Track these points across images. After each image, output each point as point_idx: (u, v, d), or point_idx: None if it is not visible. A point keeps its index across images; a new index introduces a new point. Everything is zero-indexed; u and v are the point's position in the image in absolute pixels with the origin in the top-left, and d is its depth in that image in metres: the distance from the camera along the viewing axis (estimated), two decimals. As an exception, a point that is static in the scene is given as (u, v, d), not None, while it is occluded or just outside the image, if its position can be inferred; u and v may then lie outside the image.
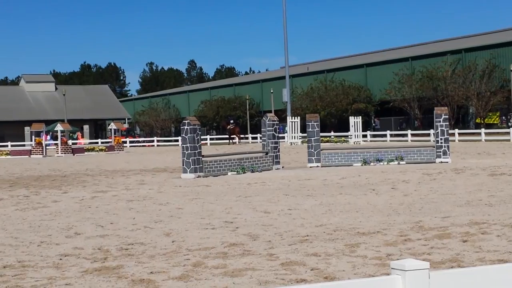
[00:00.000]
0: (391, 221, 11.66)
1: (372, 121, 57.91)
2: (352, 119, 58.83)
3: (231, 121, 69.85)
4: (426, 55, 73.22)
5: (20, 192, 19.67)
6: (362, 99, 76.15)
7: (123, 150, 58.78)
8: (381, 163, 26.99)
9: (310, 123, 27.68)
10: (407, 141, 55.69)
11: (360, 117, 60.91)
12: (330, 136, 61.16)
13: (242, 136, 73.58)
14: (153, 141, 79.00)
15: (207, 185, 20.04)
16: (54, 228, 12.00)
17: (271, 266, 8.22)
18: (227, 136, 70.09)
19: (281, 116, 68.82)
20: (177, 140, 74.52)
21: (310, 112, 65.50)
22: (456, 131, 53.83)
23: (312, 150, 27.33)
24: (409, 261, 3.54)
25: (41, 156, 50.71)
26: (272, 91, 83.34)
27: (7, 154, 52.22)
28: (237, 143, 66.99)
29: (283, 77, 73.30)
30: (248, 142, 70.80)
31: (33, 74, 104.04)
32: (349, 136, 58.82)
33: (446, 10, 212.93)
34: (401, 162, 26.97)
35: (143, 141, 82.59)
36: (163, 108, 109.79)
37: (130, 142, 77.26)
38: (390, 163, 26.96)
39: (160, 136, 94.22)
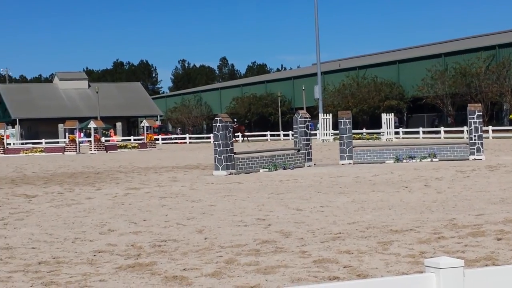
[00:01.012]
0: (424, 219, 11.59)
1: (392, 119, 57.47)
2: (384, 116, 58.55)
3: (235, 120, 70.09)
4: (459, 51, 72.59)
5: (54, 189, 19.86)
6: (394, 95, 75.73)
7: (155, 147, 59.08)
8: (414, 160, 26.83)
9: (342, 120, 27.59)
10: (440, 138, 55.29)
11: (393, 114, 60.62)
12: (362, 133, 60.92)
13: (248, 134, 74.01)
14: (185, 138, 79.27)
15: (239, 182, 20.07)
16: (88, 225, 12.10)
17: (303, 263, 8.22)
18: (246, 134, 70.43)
19: (313, 113, 68.74)
20: (209, 137, 74.77)
21: (342, 109, 65.29)
22: (490, 128, 53.32)
23: (344, 147, 27.25)
24: (443, 259, 3.51)
25: (74, 153, 51.16)
26: (303, 88, 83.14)
27: (41, 151, 52.74)
28: (240, 141, 67.26)
29: (315, 74, 73.11)
30: (280, 139, 70.76)
31: (67, 71, 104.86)
32: (381, 133, 58.57)
33: (480, 6, 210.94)
34: (434, 159, 26.78)
35: (175, 138, 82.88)
36: (195, 105, 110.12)
37: (163, 139, 77.62)
38: (423, 160, 26.78)
39: (192, 133, 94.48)
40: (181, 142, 77.03)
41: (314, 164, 27.05)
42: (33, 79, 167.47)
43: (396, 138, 58.11)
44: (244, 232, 10.78)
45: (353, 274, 7.60)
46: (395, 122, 70.78)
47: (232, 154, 23.64)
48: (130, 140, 71.25)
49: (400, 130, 62.46)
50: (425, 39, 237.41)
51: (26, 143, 73.07)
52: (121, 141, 69.44)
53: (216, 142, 23.70)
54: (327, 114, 62.14)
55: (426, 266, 3.56)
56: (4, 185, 21.63)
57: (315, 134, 58.63)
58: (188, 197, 16.42)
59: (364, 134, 60.70)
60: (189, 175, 23.87)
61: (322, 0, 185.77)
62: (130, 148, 56.35)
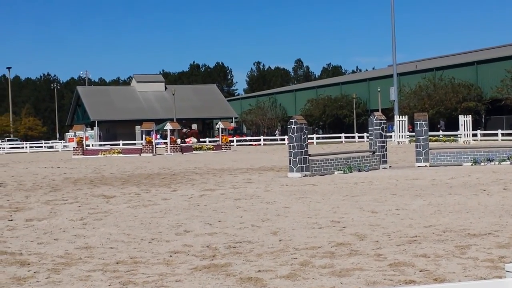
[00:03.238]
0: (503, 223, 11.34)
1: (439, 124, 56.44)
2: (461, 118, 57.59)
3: (190, 126, 69.49)
4: (540, 52, 70.83)
5: (131, 189, 20.18)
6: (472, 97, 74.31)
7: (230, 149, 59.46)
8: (492, 163, 26.28)
9: (418, 122, 27.23)
10: (519, 140, 54.06)
11: (470, 116, 59.56)
12: (438, 135, 60.04)
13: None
14: (259, 140, 79.53)
15: (313, 184, 20.02)
16: (164, 226, 12.25)
17: (379, 266, 8.14)
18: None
19: (388, 115, 68.01)
20: (283, 139, 74.82)
21: (418, 110, 64.49)
22: None
23: (420, 150, 26.89)
24: (524, 264, 3.44)
25: (151, 154, 51.90)
26: (379, 89, 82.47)
27: (119, 152, 53.70)
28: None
29: (391, 76, 72.44)
30: (355, 142, 70.34)
31: (144, 74, 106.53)
32: (459, 135, 57.61)
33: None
34: (513, 162, 26.17)
35: (250, 140, 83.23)
36: (270, 107, 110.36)
37: (237, 141, 78.06)
38: (502, 163, 26.21)
39: (267, 135, 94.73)
40: (255, 144, 77.31)
41: (390, 167, 26.78)
42: (112, 81, 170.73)
43: (474, 140, 57.08)
44: (319, 234, 10.75)
45: (429, 278, 7.49)
46: (440, 126, 69.40)
47: (307, 156, 23.61)
48: (205, 142, 71.88)
49: (478, 132, 61.29)
50: (504, 40, 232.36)
51: (104, 145, 74.50)
52: (197, 143, 70.13)
53: (291, 144, 23.70)
54: (403, 116, 61.45)
55: (506, 271, 3.49)
56: (83, 186, 22.10)
57: (391, 136, 58.06)
58: (262, 199, 16.46)
59: (441, 136, 59.81)
60: (264, 177, 23.93)
61: (399, 0, 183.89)
62: (205, 149, 56.85)
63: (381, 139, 26.75)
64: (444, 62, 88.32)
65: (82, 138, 55.40)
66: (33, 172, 31.19)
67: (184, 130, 61.20)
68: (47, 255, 9.61)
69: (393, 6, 64.14)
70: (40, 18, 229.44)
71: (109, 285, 7.58)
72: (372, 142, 26.88)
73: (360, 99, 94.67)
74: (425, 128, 27.14)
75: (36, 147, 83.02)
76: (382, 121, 27.16)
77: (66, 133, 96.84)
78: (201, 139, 77.06)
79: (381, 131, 26.86)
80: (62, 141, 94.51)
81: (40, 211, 15.04)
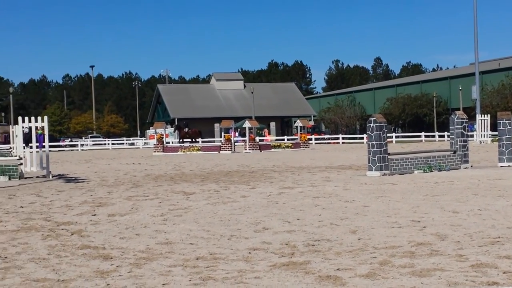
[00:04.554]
0: None
1: (467, 125, 54.59)
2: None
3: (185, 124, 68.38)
4: None
5: (210, 186, 20.37)
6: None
7: (308, 147, 59.40)
8: None
9: (501, 121, 26.65)
10: None
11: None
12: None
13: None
14: (338, 138, 79.21)
15: (393, 183, 19.82)
16: (243, 223, 12.33)
17: (460, 267, 8.01)
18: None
19: (470, 114, 66.88)
20: (362, 138, 74.33)
21: (501, 109, 63.14)
22: None
23: (503, 149, 26.32)
24: None
25: (229, 152, 52.29)
26: (460, 88, 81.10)
27: (198, 150, 54.29)
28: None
29: (473, 74, 71.14)
30: (435, 141, 69.30)
31: (223, 72, 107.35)
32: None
33: None
34: None
35: (328, 138, 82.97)
36: (348, 105, 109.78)
37: (316, 139, 77.92)
38: None
39: (345, 134, 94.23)
40: (334, 143, 77.03)
41: (471, 166, 26.30)
42: (191, 79, 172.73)
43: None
44: (399, 233, 10.64)
45: (513, 280, 7.34)
46: (470, 128, 67.44)
47: (386, 155, 23.39)
48: (283, 139, 71.98)
49: None
50: None
51: (183, 142, 75.41)
52: (275, 140, 70.30)
53: (370, 143, 23.52)
54: (485, 115, 60.26)
55: None
56: (164, 183, 22.43)
57: (472, 136, 57.03)
58: (341, 197, 16.39)
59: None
60: (342, 175, 23.82)
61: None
62: (283, 147, 56.94)
63: (462, 138, 26.29)
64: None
65: (163, 135, 56.20)
66: (115, 168, 31.84)
67: (186, 129, 61.40)
68: (129, 249, 9.80)
69: (475, 3, 62.93)
70: (124, 18, 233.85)
71: (189, 280, 7.68)
72: (453, 141, 26.44)
73: (440, 98, 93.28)
74: (509, 127, 26.54)
75: (117, 143, 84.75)
76: (463, 120, 26.68)
77: (147, 130, 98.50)
78: (279, 137, 77.12)
79: (462, 130, 26.40)
80: (143, 138, 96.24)
81: (122, 207, 15.34)
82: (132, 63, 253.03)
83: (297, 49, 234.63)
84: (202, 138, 69.79)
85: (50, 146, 31.00)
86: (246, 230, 11.41)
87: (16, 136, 27.87)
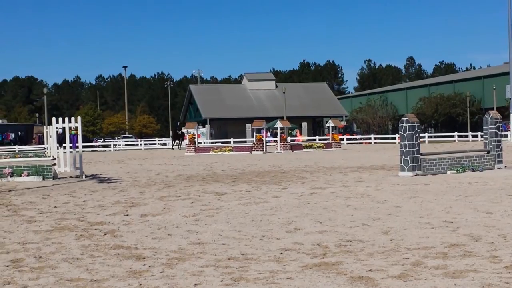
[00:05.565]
0: None
1: (501, 125, 53.95)
2: None
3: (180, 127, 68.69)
4: None
5: (242, 187, 20.40)
6: None
7: (340, 147, 59.22)
8: None
9: (536, 121, 26.36)
10: None
11: None
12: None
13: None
14: (370, 138, 78.89)
15: (425, 184, 19.70)
16: (275, 223, 12.33)
17: (494, 268, 7.94)
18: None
19: (504, 113, 66.20)
20: (394, 138, 73.96)
21: (535, 109, 62.38)
22: None
23: (538, 149, 26.02)
24: None
25: (261, 152, 52.31)
26: (494, 87, 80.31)
27: (229, 150, 54.37)
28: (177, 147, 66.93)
29: (507, 73, 70.41)
30: (468, 141, 68.74)
31: (255, 72, 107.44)
32: None
33: None
34: None
35: (360, 138, 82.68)
36: (381, 105, 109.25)
37: (347, 139, 77.70)
38: None
39: (377, 134, 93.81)
40: (365, 143, 76.74)
41: (505, 167, 26.03)
42: (223, 80, 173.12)
43: None
44: (431, 234, 10.57)
45: (548, 282, 7.25)
46: (503, 128, 66.71)
47: (419, 155, 23.24)
48: (315, 140, 71.86)
49: None
50: None
51: (215, 142, 75.60)
52: (307, 141, 70.19)
53: (402, 143, 23.39)
54: (519, 115, 59.65)
55: None
56: (196, 183, 22.51)
57: (506, 135, 56.45)
58: (373, 197, 16.33)
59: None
60: (374, 175, 23.72)
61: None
62: (315, 148, 56.82)
63: (496, 138, 26.04)
64: None
65: (194, 135, 56.40)
66: (147, 169, 32.01)
67: (179, 132, 61.75)
68: (161, 250, 9.85)
69: (510, 1, 62.28)
70: (156, 18, 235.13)
71: (221, 281, 7.70)
72: (487, 141, 26.19)
73: (474, 97, 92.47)
74: (543, 127, 26.24)
75: (150, 144, 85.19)
76: (497, 120, 26.43)
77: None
78: (311, 137, 77.02)
79: (496, 130, 26.14)
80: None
81: (155, 207, 15.42)
82: (165, 64, 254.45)
83: (329, 48, 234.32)
84: (228, 138, 70.49)
85: (83, 147, 31.29)
86: (278, 231, 11.41)
87: (50, 136, 28.15)
